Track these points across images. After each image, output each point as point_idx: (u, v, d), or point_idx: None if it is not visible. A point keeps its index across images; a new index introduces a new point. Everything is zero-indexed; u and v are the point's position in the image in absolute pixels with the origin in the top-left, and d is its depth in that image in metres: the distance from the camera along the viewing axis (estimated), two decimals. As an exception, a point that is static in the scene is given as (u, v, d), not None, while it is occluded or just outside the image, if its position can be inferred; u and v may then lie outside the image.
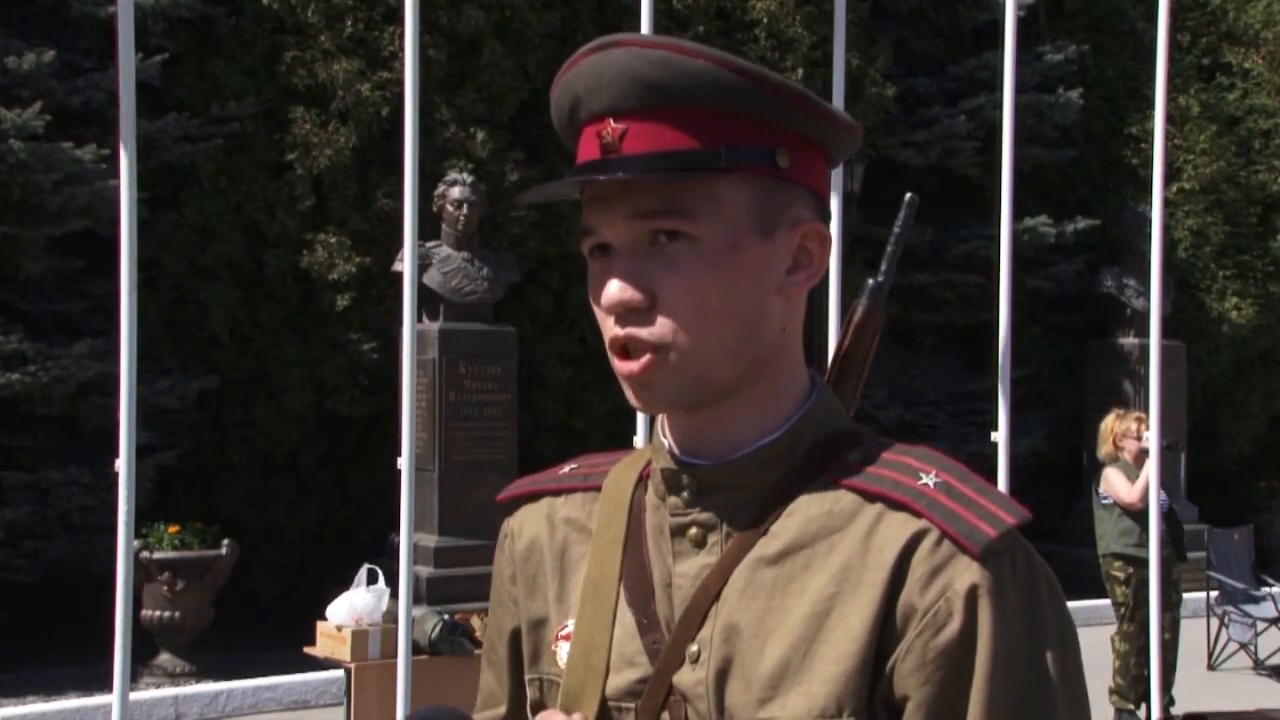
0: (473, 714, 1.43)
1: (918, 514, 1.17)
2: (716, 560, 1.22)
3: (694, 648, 1.21)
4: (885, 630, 1.15)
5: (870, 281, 1.43)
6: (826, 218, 1.26)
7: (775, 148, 1.20)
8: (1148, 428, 7.48)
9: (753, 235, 1.20)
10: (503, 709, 1.40)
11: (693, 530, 1.24)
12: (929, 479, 1.19)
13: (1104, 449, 8.12)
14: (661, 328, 1.18)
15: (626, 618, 1.25)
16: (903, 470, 1.20)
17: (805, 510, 1.21)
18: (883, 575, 1.16)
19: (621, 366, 1.21)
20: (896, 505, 1.18)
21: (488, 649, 1.43)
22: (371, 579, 6.61)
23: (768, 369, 1.23)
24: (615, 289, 1.19)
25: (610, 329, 1.21)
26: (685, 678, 1.21)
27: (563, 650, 1.28)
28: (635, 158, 1.18)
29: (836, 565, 1.18)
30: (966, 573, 1.14)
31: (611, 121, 1.19)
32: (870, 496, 1.19)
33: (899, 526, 1.17)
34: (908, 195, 1.46)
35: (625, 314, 1.19)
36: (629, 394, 1.22)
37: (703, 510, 1.24)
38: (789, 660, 1.17)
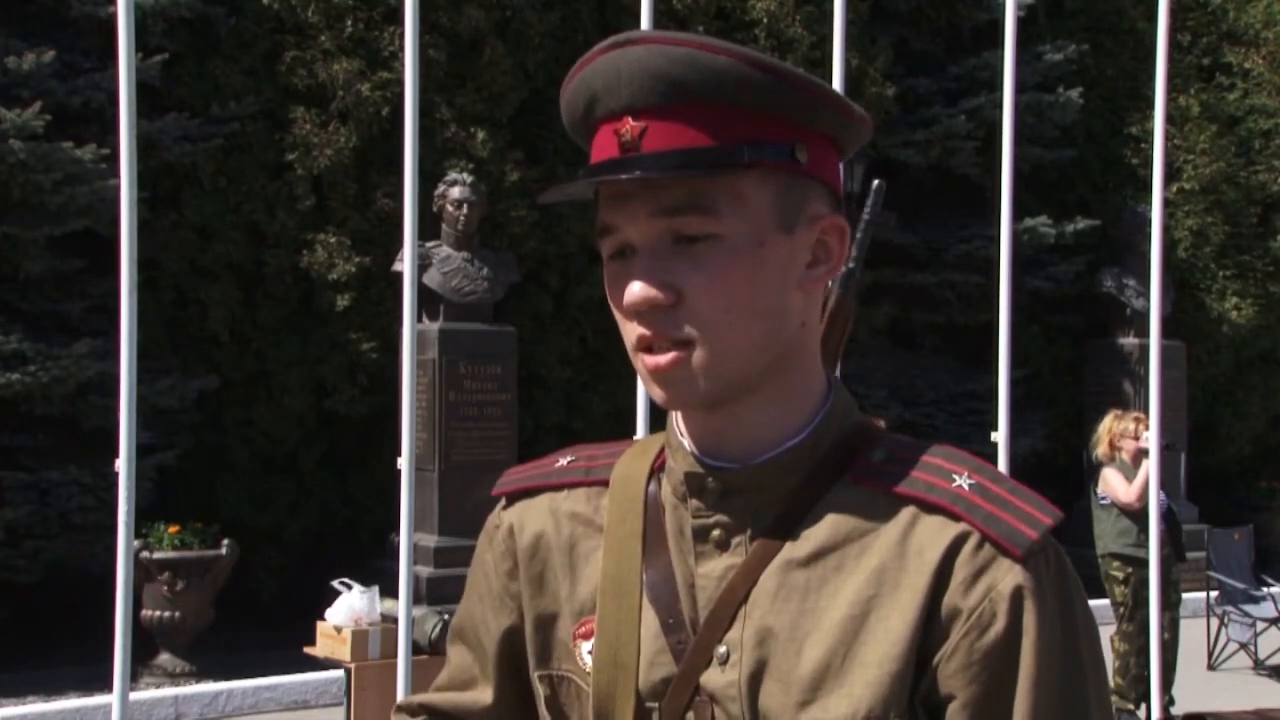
0: (433, 687, 1.42)
1: (956, 517, 1.17)
2: (742, 561, 1.22)
3: (722, 649, 1.20)
4: (928, 632, 1.16)
5: (840, 269, 1.43)
6: (840, 210, 1.26)
7: (795, 143, 1.19)
8: (1146, 428, 7.49)
9: (776, 231, 1.19)
10: (486, 697, 1.38)
11: (716, 532, 1.23)
12: (962, 480, 1.19)
13: (1100, 449, 8.12)
14: (688, 326, 1.17)
15: (649, 616, 1.24)
16: (934, 471, 1.20)
17: (834, 512, 1.20)
18: (924, 578, 1.16)
19: (647, 361, 1.19)
20: (932, 508, 1.18)
21: (463, 630, 1.40)
22: (346, 588, 6.62)
23: (788, 365, 1.22)
24: (639, 288, 1.17)
25: (633, 329, 1.20)
26: (714, 679, 1.21)
27: (584, 648, 1.27)
28: (656, 155, 1.16)
29: (872, 567, 1.18)
30: (1009, 575, 1.15)
31: (630, 120, 1.17)
32: (903, 498, 1.19)
33: (937, 529, 1.18)
34: (875, 182, 1.47)
35: (649, 312, 1.18)
36: (653, 391, 1.21)
37: (726, 512, 1.23)
38: (829, 663, 1.17)
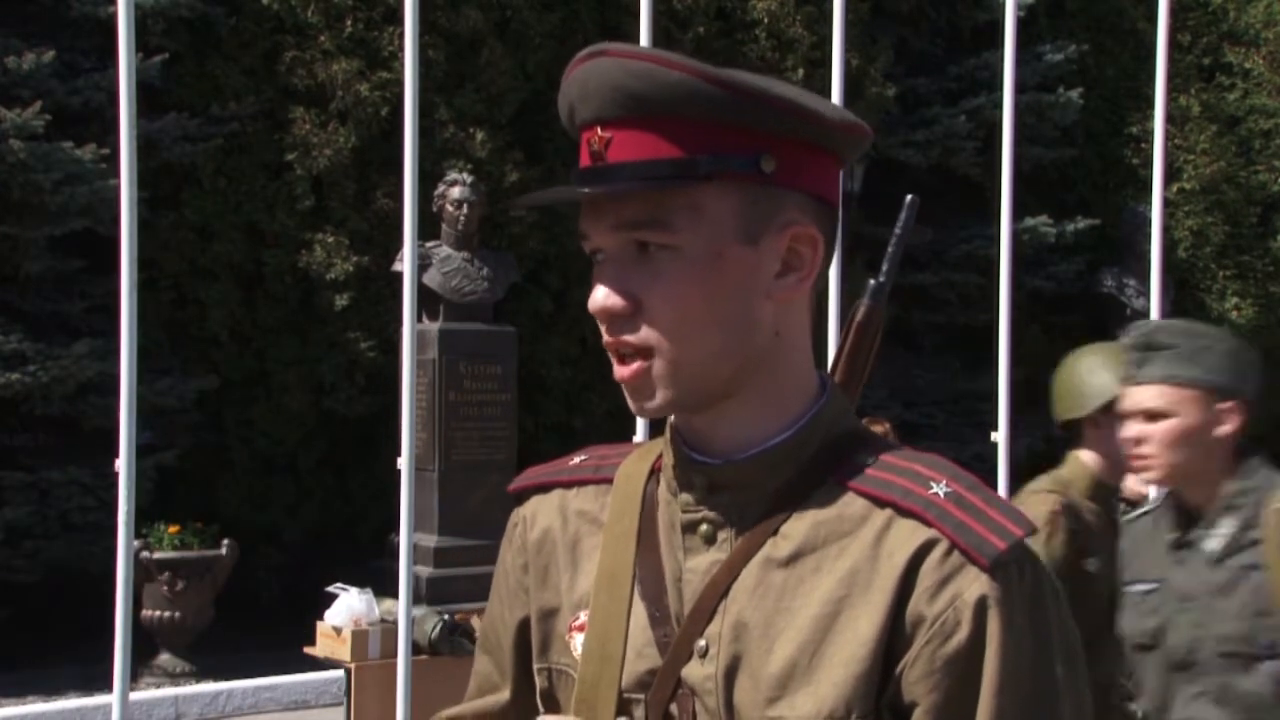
0: (465, 699, 1.46)
1: (928, 523, 1.18)
2: (726, 557, 1.24)
3: (702, 643, 1.23)
4: (894, 636, 1.17)
5: (871, 282, 1.44)
6: (825, 217, 1.25)
7: (760, 153, 1.20)
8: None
9: (735, 242, 1.21)
10: (504, 694, 1.42)
11: (703, 527, 1.25)
12: (939, 488, 1.20)
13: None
14: (645, 334, 1.21)
15: (639, 610, 1.27)
16: (913, 478, 1.21)
17: (815, 513, 1.22)
18: (892, 582, 1.17)
19: (617, 370, 1.24)
20: (906, 513, 1.20)
21: (485, 637, 1.44)
22: (344, 591, 6.63)
23: (764, 372, 1.24)
24: (600, 295, 1.22)
25: (604, 334, 1.24)
26: (694, 672, 1.23)
27: (577, 640, 1.30)
28: (618, 166, 1.20)
29: (845, 569, 1.19)
30: (975, 584, 1.16)
31: (599, 130, 1.21)
32: (880, 502, 1.21)
33: (908, 534, 1.19)
34: (909, 197, 1.47)
35: (612, 320, 1.22)
36: (626, 397, 1.25)
37: (713, 508, 1.25)
38: (797, 661, 1.18)
